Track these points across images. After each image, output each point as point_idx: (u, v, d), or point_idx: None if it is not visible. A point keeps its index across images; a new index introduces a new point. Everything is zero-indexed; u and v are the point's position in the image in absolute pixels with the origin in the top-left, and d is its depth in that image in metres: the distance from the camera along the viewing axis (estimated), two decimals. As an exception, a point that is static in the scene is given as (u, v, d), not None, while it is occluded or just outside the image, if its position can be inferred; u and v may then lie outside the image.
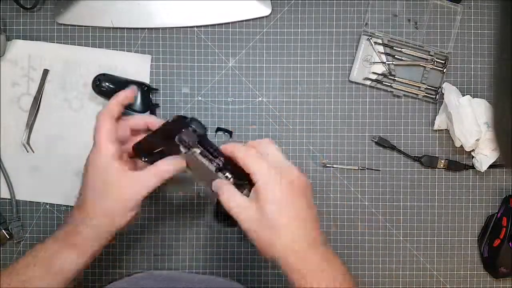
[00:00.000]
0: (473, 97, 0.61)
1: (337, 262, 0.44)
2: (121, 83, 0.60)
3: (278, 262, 0.43)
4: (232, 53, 0.63)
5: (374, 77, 0.63)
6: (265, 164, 0.44)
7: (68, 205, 0.63)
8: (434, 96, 0.63)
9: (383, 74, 0.63)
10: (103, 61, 0.62)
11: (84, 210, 0.47)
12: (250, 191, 0.45)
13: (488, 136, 0.59)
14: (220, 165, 0.46)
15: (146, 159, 0.51)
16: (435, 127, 0.63)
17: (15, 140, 0.62)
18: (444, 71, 0.63)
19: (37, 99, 0.62)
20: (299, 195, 0.44)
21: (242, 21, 0.63)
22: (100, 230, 0.47)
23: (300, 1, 0.63)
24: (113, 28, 0.63)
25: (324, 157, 0.63)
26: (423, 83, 0.63)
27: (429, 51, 0.63)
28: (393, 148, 0.63)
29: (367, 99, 0.64)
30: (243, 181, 0.45)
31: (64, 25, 0.63)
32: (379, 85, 0.63)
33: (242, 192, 0.45)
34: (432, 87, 0.63)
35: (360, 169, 0.63)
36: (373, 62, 0.63)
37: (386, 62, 0.63)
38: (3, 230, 0.61)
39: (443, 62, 0.63)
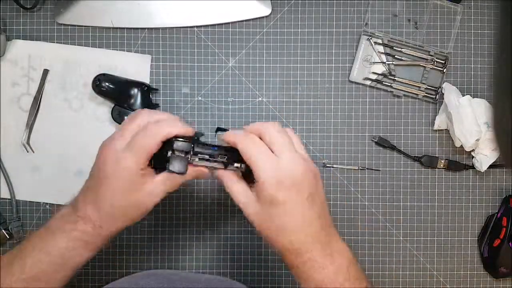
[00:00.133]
0: (473, 97, 0.61)
1: (342, 258, 0.44)
2: (121, 83, 0.60)
3: (281, 255, 0.44)
4: (232, 53, 0.63)
5: (374, 77, 0.63)
6: (267, 160, 0.42)
7: (68, 205, 0.63)
8: (434, 96, 0.63)
9: (383, 74, 0.63)
10: (103, 61, 0.63)
11: (96, 207, 0.44)
12: None
13: (488, 136, 0.59)
14: (225, 161, 0.45)
15: (154, 167, 0.48)
16: (435, 127, 0.63)
17: (15, 140, 0.62)
18: (444, 71, 0.63)
19: (37, 99, 0.62)
20: (303, 197, 0.42)
21: (242, 21, 0.63)
22: (111, 231, 0.46)
23: (300, 1, 0.63)
24: (113, 28, 0.63)
25: (324, 157, 0.63)
26: (423, 83, 0.63)
27: (429, 51, 0.63)
28: (393, 148, 0.63)
29: (367, 99, 0.64)
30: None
31: (64, 25, 0.63)
32: (379, 85, 0.63)
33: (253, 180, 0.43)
34: (432, 87, 0.63)
35: (360, 169, 0.63)
36: (373, 62, 0.63)
37: (386, 62, 0.63)
38: (3, 230, 0.61)
39: (443, 62, 0.63)
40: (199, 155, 0.45)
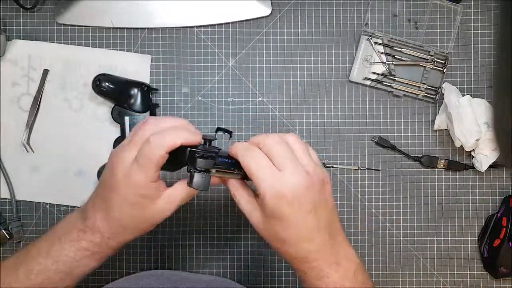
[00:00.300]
0: (473, 97, 0.61)
1: (349, 263, 0.44)
2: (121, 83, 0.60)
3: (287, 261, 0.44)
4: (232, 53, 0.63)
5: (374, 77, 0.63)
6: (267, 173, 0.41)
7: (68, 205, 0.63)
8: (434, 96, 0.63)
9: (383, 74, 0.63)
10: (103, 61, 0.63)
11: (105, 216, 0.43)
12: None
13: (488, 136, 0.59)
14: (242, 173, 0.44)
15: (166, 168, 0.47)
16: (435, 127, 0.63)
17: (15, 140, 0.62)
18: (444, 71, 0.63)
19: (37, 99, 0.62)
20: (306, 210, 0.41)
21: (242, 21, 0.63)
22: (119, 242, 0.45)
23: (300, 1, 0.63)
24: (113, 28, 0.63)
25: (324, 157, 0.63)
26: (423, 83, 0.63)
27: (429, 51, 0.63)
28: (393, 148, 0.63)
29: (367, 99, 0.64)
30: None
31: (64, 25, 0.63)
32: (379, 85, 0.63)
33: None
34: (432, 87, 0.63)
35: (360, 169, 0.63)
36: (373, 62, 0.63)
37: (386, 62, 0.63)
38: (3, 230, 0.61)
39: (443, 62, 0.63)
40: (216, 167, 0.44)
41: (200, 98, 0.63)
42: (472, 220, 0.64)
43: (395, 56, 0.63)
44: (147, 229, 0.45)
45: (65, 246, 0.44)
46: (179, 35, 0.63)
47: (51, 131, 0.62)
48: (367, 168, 0.63)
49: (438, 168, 0.63)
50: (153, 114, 0.61)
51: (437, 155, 0.63)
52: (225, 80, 0.63)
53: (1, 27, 0.62)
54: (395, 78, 0.63)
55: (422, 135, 0.64)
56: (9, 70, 0.62)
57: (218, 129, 0.63)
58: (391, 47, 0.63)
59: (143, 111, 0.60)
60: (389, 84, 0.63)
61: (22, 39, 0.62)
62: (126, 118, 0.60)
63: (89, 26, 0.63)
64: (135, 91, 0.60)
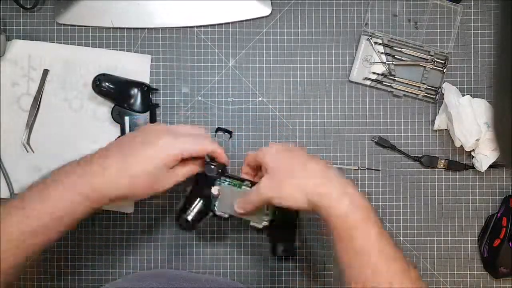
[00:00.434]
0: (473, 97, 0.61)
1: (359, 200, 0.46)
2: (121, 83, 0.60)
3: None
4: (232, 53, 0.63)
5: (374, 77, 0.63)
6: (267, 150, 0.50)
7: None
8: (434, 96, 0.63)
9: (383, 74, 0.63)
10: (103, 61, 0.63)
11: (117, 167, 0.47)
12: None
13: (488, 136, 0.59)
14: (249, 184, 0.53)
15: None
16: (435, 127, 0.63)
17: (15, 140, 0.62)
18: (444, 71, 0.63)
19: (37, 99, 0.62)
20: (294, 158, 0.49)
21: (242, 21, 0.63)
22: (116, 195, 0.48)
23: (300, 1, 0.63)
24: (113, 28, 0.63)
25: (324, 157, 0.63)
26: (423, 83, 0.63)
27: (429, 51, 0.63)
28: (393, 148, 0.63)
29: (367, 99, 0.64)
30: None
31: (64, 25, 0.63)
32: (379, 85, 0.63)
33: None
34: (432, 87, 0.63)
35: (360, 169, 0.63)
36: (373, 62, 0.63)
37: (386, 62, 0.63)
38: (3, 230, 0.61)
39: (443, 62, 0.63)
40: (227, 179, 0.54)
41: (200, 98, 0.63)
42: (472, 220, 0.64)
43: (395, 56, 0.63)
44: (144, 195, 0.49)
45: (59, 190, 0.45)
46: (179, 35, 0.63)
47: (51, 131, 0.62)
48: (367, 168, 0.63)
49: (438, 168, 0.63)
50: (153, 114, 0.61)
51: (437, 155, 0.63)
52: (225, 80, 0.63)
53: (1, 27, 0.62)
54: (395, 78, 0.63)
55: (422, 135, 0.64)
56: (9, 70, 0.62)
57: (218, 129, 0.63)
58: (391, 47, 0.63)
59: (143, 111, 0.60)
60: (389, 84, 0.63)
61: (22, 39, 0.62)
62: (126, 118, 0.60)
63: (89, 26, 0.63)
64: (135, 91, 0.60)
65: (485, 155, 0.60)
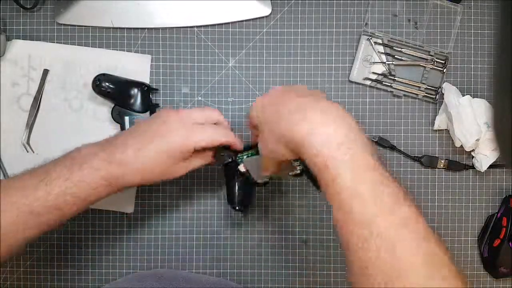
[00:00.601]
0: (473, 97, 0.61)
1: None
2: (121, 83, 0.60)
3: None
4: (232, 53, 0.63)
5: (374, 77, 0.63)
6: (253, 108, 0.48)
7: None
8: (434, 96, 0.63)
9: (383, 74, 0.63)
10: (103, 61, 0.63)
11: (137, 153, 0.48)
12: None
13: (488, 136, 0.59)
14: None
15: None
16: (435, 127, 0.63)
17: (15, 140, 0.62)
18: (444, 71, 0.63)
19: (37, 99, 0.62)
20: (277, 105, 0.45)
21: (242, 21, 0.63)
22: (134, 181, 0.49)
23: (300, 1, 0.63)
24: (113, 28, 0.63)
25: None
26: (423, 83, 0.63)
27: (429, 51, 0.63)
28: (393, 148, 0.63)
29: (367, 99, 0.64)
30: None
31: (64, 25, 0.63)
32: (379, 85, 0.63)
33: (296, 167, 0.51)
34: (432, 87, 0.63)
35: (360, 169, 0.63)
36: (373, 62, 0.63)
37: (386, 62, 0.63)
38: (3, 230, 0.61)
39: (443, 62, 0.63)
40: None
41: (200, 98, 0.63)
42: (472, 220, 0.64)
43: (395, 56, 0.63)
44: (159, 179, 0.50)
45: (84, 172, 0.46)
46: (179, 35, 0.63)
47: (51, 131, 0.62)
48: (367, 168, 0.63)
49: (438, 168, 0.63)
50: (153, 114, 0.61)
51: (437, 155, 0.63)
52: (225, 80, 0.63)
53: (1, 27, 0.62)
54: (395, 78, 0.63)
55: (422, 135, 0.64)
56: (9, 70, 0.62)
57: (218, 129, 0.63)
58: (391, 47, 0.63)
59: (143, 111, 0.60)
60: (389, 84, 0.63)
61: (22, 39, 0.62)
62: (126, 118, 0.60)
63: (89, 26, 0.63)
64: (135, 91, 0.60)
65: (485, 155, 0.60)
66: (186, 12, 0.63)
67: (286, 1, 0.63)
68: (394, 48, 0.63)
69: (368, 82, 0.63)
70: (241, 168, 0.54)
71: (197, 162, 0.52)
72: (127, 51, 0.63)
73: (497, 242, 0.61)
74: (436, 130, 0.63)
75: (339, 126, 0.40)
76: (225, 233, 0.63)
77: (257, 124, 0.47)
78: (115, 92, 0.60)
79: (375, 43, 0.63)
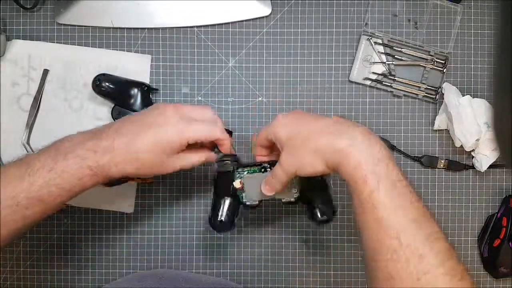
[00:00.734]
0: (473, 97, 0.61)
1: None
2: (121, 83, 0.60)
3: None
4: (232, 53, 0.63)
5: (374, 77, 0.63)
6: (275, 125, 0.49)
7: (67, 205, 0.63)
8: (434, 96, 0.63)
9: (383, 74, 0.63)
10: (103, 61, 0.63)
11: (127, 143, 0.47)
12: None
13: (488, 136, 0.59)
14: (268, 165, 0.53)
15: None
16: (435, 127, 0.63)
17: (15, 140, 0.62)
18: (444, 71, 0.63)
19: (37, 99, 0.62)
20: (303, 124, 0.47)
21: (242, 21, 0.63)
22: (122, 172, 0.48)
23: (300, 1, 0.63)
24: (113, 28, 0.63)
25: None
26: (423, 83, 0.63)
27: (429, 51, 0.63)
28: (393, 148, 0.63)
29: (367, 99, 0.64)
30: None
31: (64, 25, 0.63)
32: (379, 85, 0.63)
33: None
34: (432, 87, 0.63)
35: (360, 169, 0.63)
36: (373, 62, 0.63)
37: (386, 62, 0.63)
38: (3, 230, 0.61)
39: (443, 62, 0.63)
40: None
41: (200, 98, 0.63)
42: (472, 220, 0.64)
43: (395, 56, 0.63)
44: (151, 173, 0.49)
45: (69, 162, 0.45)
46: (179, 35, 0.63)
47: (51, 131, 0.62)
48: (367, 168, 0.63)
49: (438, 168, 0.63)
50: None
51: (437, 155, 0.63)
52: (225, 80, 0.63)
53: (1, 27, 0.62)
54: (395, 78, 0.63)
55: (422, 135, 0.64)
56: (9, 70, 0.62)
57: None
58: (391, 47, 0.63)
59: (143, 111, 0.60)
60: (389, 84, 0.63)
61: (22, 39, 0.62)
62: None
63: (89, 26, 0.63)
64: (135, 91, 0.60)
65: (485, 155, 0.60)
66: (186, 12, 0.63)
67: (286, 1, 0.63)
68: (394, 48, 0.63)
69: (368, 82, 0.63)
70: (237, 184, 0.53)
71: (192, 158, 0.51)
72: (127, 51, 0.63)
73: (497, 242, 0.61)
74: (436, 130, 0.63)
75: (377, 143, 0.44)
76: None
77: (278, 140, 0.48)
78: (115, 92, 0.60)
79: (375, 43, 0.63)
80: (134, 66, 0.63)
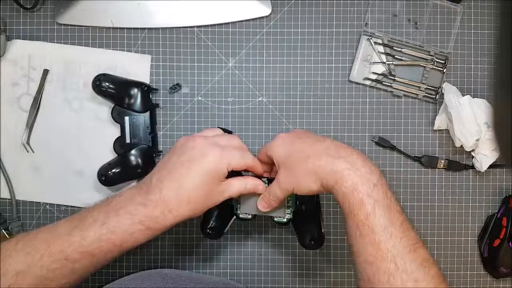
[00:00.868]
0: (473, 97, 0.61)
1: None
2: (121, 83, 0.60)
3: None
4: (232, 53, 0.63)
5: (374, 77, 0.63)
6: (274, 144, 0.51)
7: (68, 205, 0.63)
8: (434, 96, 0.63)
9: (383, 74, 0.63)
10: (103, 61, 0.63)
11: (173, 187, 0.47)
12: None
13: (488, 136, 0.59)
14: (266, 180, 0.53)
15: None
16: (435, 127, 0.63)
17: (15, 140, 0.62)
18: (444, 71, 0.63)
19: (37, 99, 0.62)
20: (301, 144, 0.49)
21: (242, 21, 0.63)
22: (177, 218, 0.48)
23: (300, 1, 0.63)
24: (113, 28, 0.63)
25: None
26: (423, 83, 0.63)
27: (429, 51, 0.63)
28: (393, 148, 0.63)
29: (367, 99, 0.64)
30: None
31: (64, 25, 0.63)
32: (379, 85, 0.63)
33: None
34: (432, 87, 0.63)
35: (360, 169, 0.63)
36: (373, 62, 0.63)
37: (386, 62, 0.63)
38: (3, 230, 0.61)
39: (443, 62, 0.63)
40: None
41: (200, 98, 0.63)
42: (472, 220, 0.64)
43: (395, 56, 0.63)
44: (204, 208, 0.49)
45: (121, 218, 0.46)
46: (179, 35, 0.63)
47: (51, 131, 0.62)
48: (367, 168, 0.63)
49: (438, 168, 0.63)
50: (153, 114, 0.61)
51: (437, 155, 0.63)
52: (225, 80, 0.63)
53: (1, 27, 0.62)
54: (395, 78, 0.63)
55: (422, 135, 0.64)
56: (9, 70, 0.62)
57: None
58: (391, 47, 0.63)
59: (143, 111, 0.60)
60: (389, 84, 0.63)
61: (22, 39, 0.62)
62: (126, 118, 0.60)
63: (89, 26, 0.63)
64: (135, 91, 0.60)
65: (485, 155, 0.60)
66: (186, 12, 0.63)
67: (286, 1, 0.63)
68: (394, 48, 0.63)
69: (368, 82, 0.63)
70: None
71: (234, 186, 0.50)
72: (127, 51, 0.63)
73: (497, 242, 0.61)
74: (436, 130, 0.63)
75: (375, 170, 0.45)
76: (225, 233, 0.63)
77: (276, 161, 0.49)
78: (115, 92, 0.60)
79: (375, 43, 0.63)
80: (134, 66, 0.63)
